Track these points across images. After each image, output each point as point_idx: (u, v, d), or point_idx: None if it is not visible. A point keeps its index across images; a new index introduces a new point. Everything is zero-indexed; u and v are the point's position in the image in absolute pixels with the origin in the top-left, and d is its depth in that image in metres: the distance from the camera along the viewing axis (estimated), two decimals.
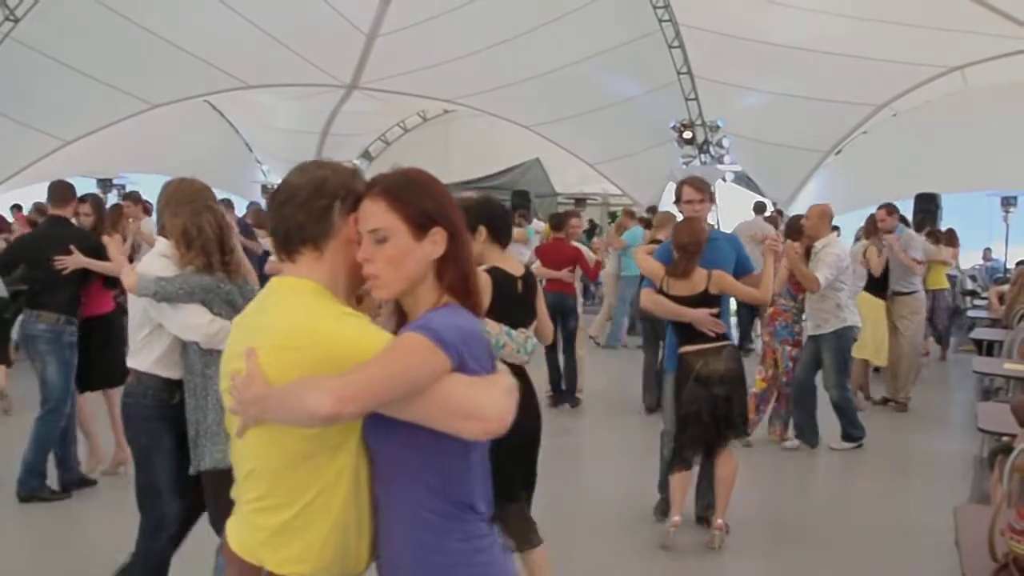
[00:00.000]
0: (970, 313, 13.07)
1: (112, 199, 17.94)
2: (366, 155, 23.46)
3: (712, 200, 5.25)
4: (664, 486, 5.55)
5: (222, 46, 15.22)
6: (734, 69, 16.18)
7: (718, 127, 17.62)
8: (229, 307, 3.64)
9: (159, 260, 3.80)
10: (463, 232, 1.92)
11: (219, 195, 12.35)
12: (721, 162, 18.06)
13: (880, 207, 9.21)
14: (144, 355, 3.83)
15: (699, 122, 17.70)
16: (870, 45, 14.24)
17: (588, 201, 20.71)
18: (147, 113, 16.40)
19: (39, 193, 16.71)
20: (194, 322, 3.62)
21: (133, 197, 9.82)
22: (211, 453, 3.63)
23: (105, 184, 18.50)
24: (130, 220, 8.71)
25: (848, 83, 15.34)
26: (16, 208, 14.03)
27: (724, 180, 18.60)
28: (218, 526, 3.88)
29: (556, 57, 16.18)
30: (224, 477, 3.70)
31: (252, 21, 14.70)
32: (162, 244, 3.88)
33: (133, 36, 14.24)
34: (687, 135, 17.59)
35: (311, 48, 15.93)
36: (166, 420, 3.81)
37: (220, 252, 3.73)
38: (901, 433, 8.40)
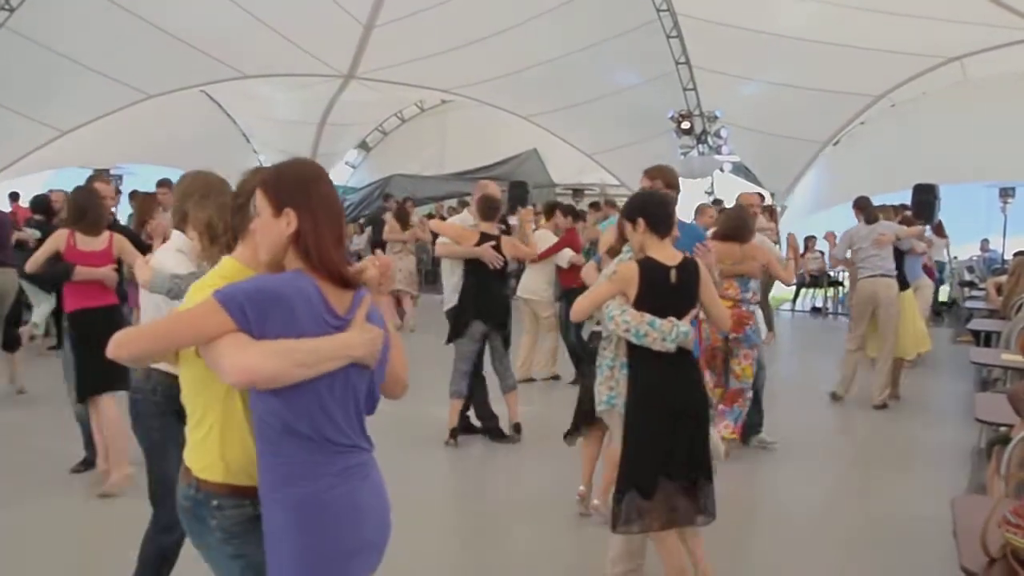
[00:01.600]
0: (968, 304, 13.08)
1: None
2: (363, 145, 23.44)
3: (668, 187, 5.22)
4: None
5: (219, 36, 15.18)
6: (732, 59, 16.16)
7: (716, 117, 17.61)
8: None
9: (174, 255, 3.76)
10: (312, 214, 2.26)
11: None
12: (719, 152, 18.06)
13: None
14: None
15: (697, 112, 17.70)
16: (869, 35, 14.22)
17: (586, 191, 20.69)
18: (144, 103, 16.35)
19: (35, 182, 16.73)
20: None
21: (167, 184, 9.76)
22: None
23: (102, 174, 18.45)
24: (162, 208, 8.71)
25: (846, 73, 15.32)
26: (13, 196, 13.95)
27: (722, 170, 18.60)
28: None
29: (554, 47, 16.16)
30: None
31: (249, 11, 14.65)
32: (178, 238, 3.83)
33: (129, 25, 14.20)
34: (685, 125, 17.59)
35: (308, 38, 15.90)
36: (177, 414, 3.76)
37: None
38: (899, 424, 8.41)
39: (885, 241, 8.80)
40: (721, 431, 7.02)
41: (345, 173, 23.31)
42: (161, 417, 3.75)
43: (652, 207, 4.18)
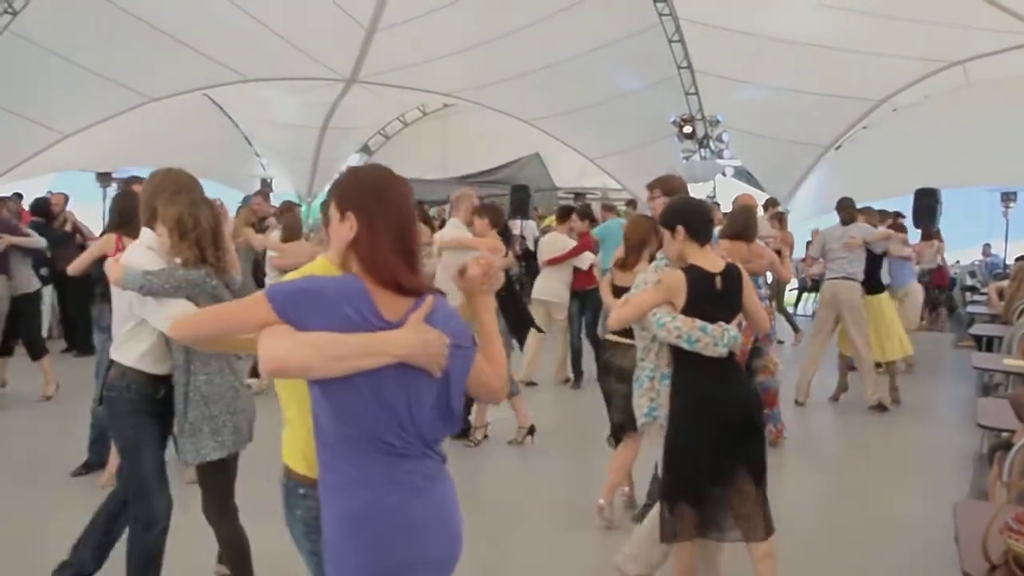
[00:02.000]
0: (969, 309, 13.09)
1: (111, 194, 17.94)
2: (365, 149, 23.45)
3: (667, 196, 5.18)
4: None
5: (221, 39, 15.18)
6: (734, 63, 16.15)
7: (718, 122, 17.61)
8: (215, 302, 3.54)
9: (145, 252, 3.76)
10: (373, 219, 2.30)
11: (219, 189, 12.31)
12: (721, 157, 18.06)
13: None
14: (128, 349, 3.78)
15: (699, 116, 17.70)
16: (870, 39, 14.21)
17: (588, 196, 20.71)
18: (146, 106, 16.36)
19: (39, 185, 16.73)
20: (176, 314, 3.59)
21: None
22: (195, 449, 3.70)
23: (104, 178, 18.45)
24: None
25: (848, 78, 15.31)
26: (17, 197, 13.95)
27: (724, 175, 18.61)
28: (209, 515, 3.90)
29: (556, 51, 16.15)
30: (210, 469, 3.72)
31: (251, 14, 14.66)
32: (147, 235, 3.84)
33: (131, 29, 14.20)
34: (687, 129, 17.59)
35: (310, 42, 15.91)
36: (151, 414, 3.79)
37: (214, 247, 3.73)
38: (901, 429, 8.40)
39: (853, 245, 8.78)
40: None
41: None
42: (136, 415, 3.76)
43: (691, 215, 4.15)
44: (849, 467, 7.29)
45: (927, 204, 15.22)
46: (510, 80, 17.17)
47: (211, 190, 12.21)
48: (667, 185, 5.29)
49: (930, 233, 15.01)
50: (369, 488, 2.25)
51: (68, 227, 10.85)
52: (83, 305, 10.36)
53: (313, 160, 21.74)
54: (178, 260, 3.70)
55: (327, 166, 22.19)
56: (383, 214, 2.31)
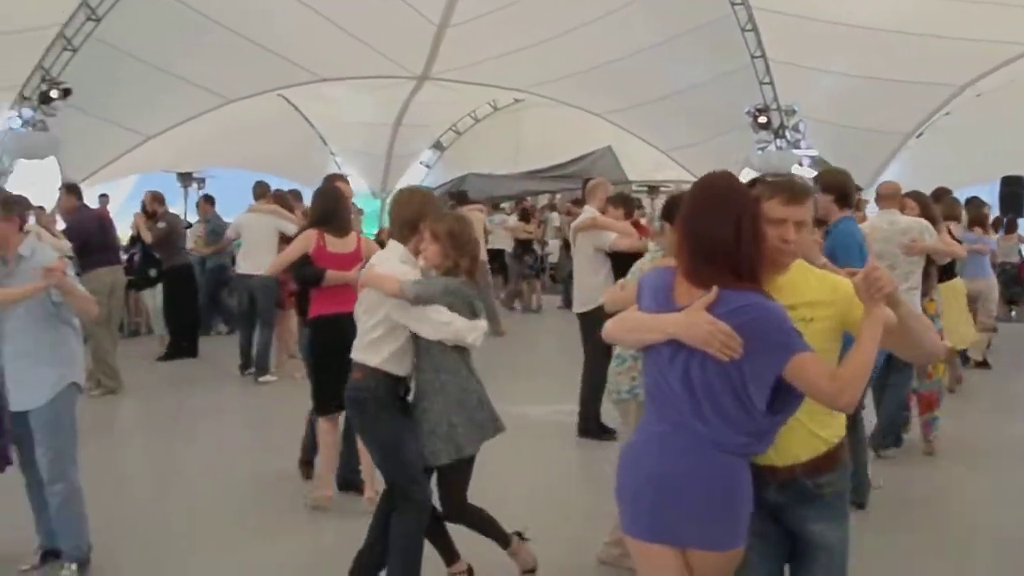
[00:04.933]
0: None
1: (192, 194, 18.37)
2: (438, 145, 23.61)
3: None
4: None
5: (295, 39, 15.42)
6: (809, 51, 15.88)
7: (794, 111, 17.33)
8: (469, 309, 4.01)
9: (400, 265, 4.10)
10: (678, 227, 2.83)
11: (295, 187, 12.35)
12: (797, 147, 17.78)
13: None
14: (375, 351, 4.09)
15: (774, 106, 17.43)
16: (950, 23, 13.84)
17: (661, 188, 20.55)
18: (225, 108, 16.69)
19: (122, 187, 17.23)
20: (442, 320, 3.94)
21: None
22: (445, 451, 3.98)
23: (186, 178, 18.88)
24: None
25: (928, 63, 14.93)
26: (103, 197, 14.46)
27: (800, 165, 18.31)
28: (450, 517, 4.19)
29: (627, 43, 16.06)
30: (451, 471, 4.02)
31: (323, 14, 14.86)
32: (399, 249, 4.19)
33: (209, 32, 14.51)
34: (762, 120, 17.35)
35: (382, 40, 16.06)
36: (401, 409, 4.12)
37: (471, 257, 4.13)
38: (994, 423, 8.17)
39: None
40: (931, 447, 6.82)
41: (420, 173, 23.49)
42: (388, 410, 4.07)
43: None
44: (951, 461, 7.01)
45: (1013, 192, 14.80)
46: (581, 74, 17.12)
47: (287, 188, 12.31)
48: (821, 179, 5.44)
49: (1013, 227, 14.57)
50: (644, 428, 2.83)
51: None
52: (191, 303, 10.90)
53: (386, 157, 21.95)
54: (435, 272, 4.07)
55: (400, 163, 22.38)
56: (684, 225, 2.78)
